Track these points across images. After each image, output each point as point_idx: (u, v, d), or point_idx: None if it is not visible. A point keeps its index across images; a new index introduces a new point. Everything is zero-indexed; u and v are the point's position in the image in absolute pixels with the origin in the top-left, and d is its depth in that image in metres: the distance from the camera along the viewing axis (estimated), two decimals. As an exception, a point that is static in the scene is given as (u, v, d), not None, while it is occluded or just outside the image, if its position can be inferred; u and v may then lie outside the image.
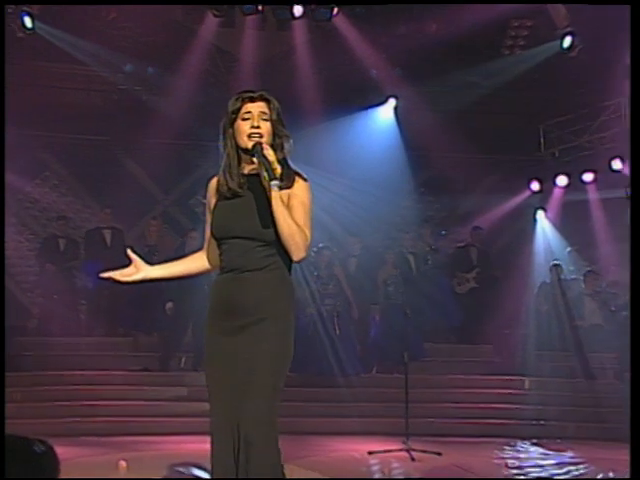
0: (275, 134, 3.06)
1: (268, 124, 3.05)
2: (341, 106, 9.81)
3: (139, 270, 3.14)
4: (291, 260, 3.02)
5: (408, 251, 9.76)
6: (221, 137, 3.11)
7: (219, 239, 3.04)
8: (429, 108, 10.16)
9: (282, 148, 3.07)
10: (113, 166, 10.56)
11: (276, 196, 2.92)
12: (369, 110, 10.51)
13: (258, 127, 3.02)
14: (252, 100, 3.07)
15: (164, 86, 9.80)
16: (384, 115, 10.62)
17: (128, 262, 3.16)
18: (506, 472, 6.15)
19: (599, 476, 6.03)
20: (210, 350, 2.98)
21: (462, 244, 10.75)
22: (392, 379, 8.29)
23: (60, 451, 2.51)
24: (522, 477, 5.98)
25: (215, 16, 9.32)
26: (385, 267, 9.42)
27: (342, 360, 8.56)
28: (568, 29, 9.20)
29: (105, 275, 3.11)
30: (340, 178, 10.15)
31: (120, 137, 10.35)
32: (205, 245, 3.18)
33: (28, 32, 8.93)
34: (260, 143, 2.98)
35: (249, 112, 3.05)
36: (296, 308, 3.06)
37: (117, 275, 3.12)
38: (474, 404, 8.47)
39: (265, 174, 2.93)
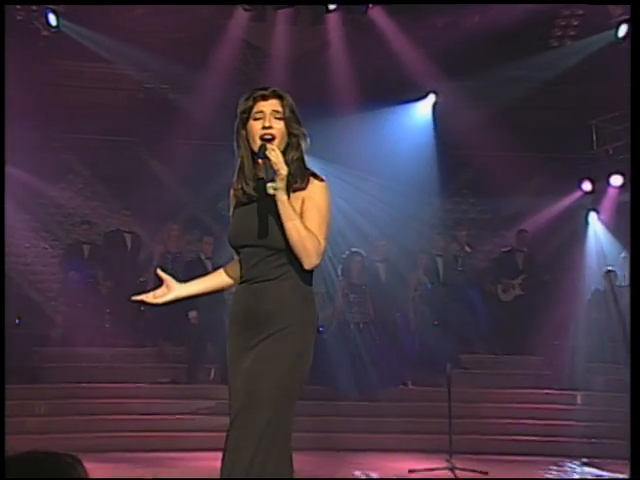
0: (290, 133, 3.03)
1: (281, 123, 3.02)
2: (377, 102, 9.80)
3: (171, 290, 3.16)
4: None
5: (436, 254, 9.72)
6: (234, 139, 3.09)
7: (235, 248, 3.04)
8: (471, 104, 10.10)
9: (297, 147, 3.04)
10: (139, 168, 10.67)
11: (282, 199, 2.86)
12: (406, 106, 10.50)
13: (270, 127, 2.99)
14: (264, 98, 3.04)
15: (191, 84, 9.89)
16: (421, 111, 10.60)
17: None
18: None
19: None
20: (228, 364, 2.98)
21: (507, 248, 10.66)
22: (432, 392, 8.26)
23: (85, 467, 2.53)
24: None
25: (245, 10, 9.40)
26: (416, 271, 9.41)
27: (377, 372, 8.55)
28: (623, 17, 9.03)
29: (137, 298, 3.15)
30: (375, 178, 10.16)
31: (146, 138, 10.47)
32: (234, 256, 3.17)
33: (53, 30, 9.10)
34: (264, 144, 2.94)
35: (261, 111, 3.02)
36: (316, 320, 3.02)
37: (149, 297, 3.16)
38: (521, 420, 8.41)
39: (264, 175, 2.90)
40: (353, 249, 9.16)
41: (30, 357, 9.06)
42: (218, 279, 3.23)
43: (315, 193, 2.97)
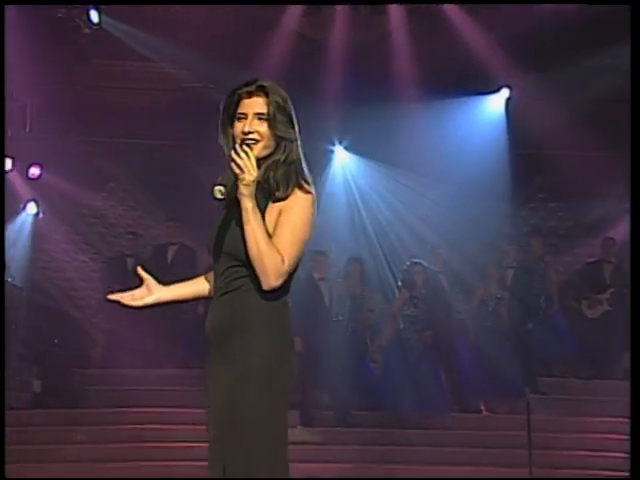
0: (277, 136, 2.91)
1: (264, 125, 2.90)
2: (442, 96, 9.72)
3: (151, 292, 3.11)
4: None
5: (508, 265, 9.58)
6: (220, 140, 2.99)
7: (211, 256, 3.00)
8: (549, 100, 9.93)
9: (285, 151, 2.92)
10: (185, 174, 10.76)
11: (246, 207, 2.76)
12: (475, 100, 10.40)
13: (250, 132, 2.88)
14: (248, 95, 2.94)
15: (239, 81, 9.95)
16: (492, 107, 10.48)
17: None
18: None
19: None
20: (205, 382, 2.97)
21: (593, 259, 10.42)
22: (508, 420, 8.12)
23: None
24: None
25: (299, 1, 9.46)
26: (485, 284, 9.27)
27: (444, 395, 8.46)
28: None
29: (112, 297, 3.08)
30: (437, 181, 10.07)
31: (192, 142, 10.57)
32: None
33: (94, 28, 9.30)
34: (236, 145, 2.86)
35: (243, 113, 2.92)
36: (287, 332, 2.89)
37: (126, 298, 3.10)
38: (609, 453, 8.20)
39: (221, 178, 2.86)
40: (414, 260, 9.10)
41: (70, 379, 9.20)
42: (202, 285, 3.15)
43: (295, 205, 2.86)
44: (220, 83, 10.16)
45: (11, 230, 10.16)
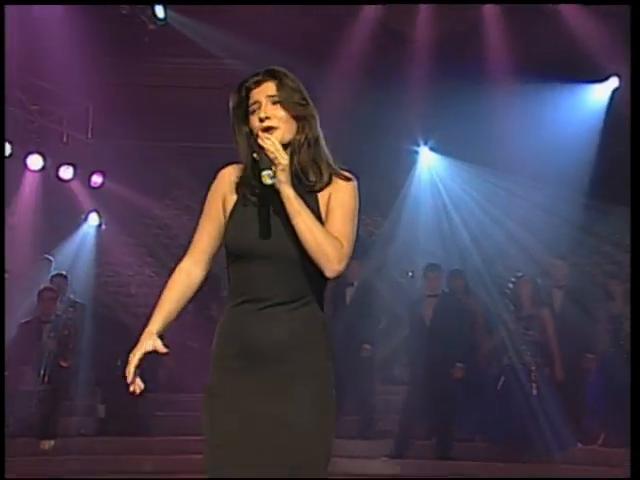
0: (294, 117, 2.94)
1: (279, 108, 2.93)
2: (538, 89, 9.54)
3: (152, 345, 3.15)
4: (324, 289, 2.93)
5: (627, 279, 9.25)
6: (237, 143, 3.02)
7: (237, 256, 2.92)
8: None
9: (304, 131, 2.95)
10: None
11: (287, 194, 2.80)
12: (577, 91, 10.18)
13: (267, 117, 2.91)
14: (257, 84, 2.97)
15: (314, 80, 9.95)
16: (596, 98, 10.26)
17: None
18: None
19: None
20: (223, 407, 2.90)
21: None
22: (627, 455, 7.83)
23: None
24: None
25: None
26: (612, 302, 8.84)
27: (551, 426, 8.22)
28: None
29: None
30: (533, 181, 9.87)
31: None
32: (195, 253, 3.08)
33: (160, 23, 9.46)
34: (257, 134, 2.90)
35: (256, 102, 2.95)
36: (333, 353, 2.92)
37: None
38: None
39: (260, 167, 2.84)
40: (519, 273, 8.79)
41: (135, 404, 9.32)
42: (183, 299, 3.14)
43: (342, 190, 2.95)
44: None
45: (73, 243, 10.39)
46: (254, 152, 2.89)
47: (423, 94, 9.59)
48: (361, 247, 10.82)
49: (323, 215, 2.91)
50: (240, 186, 2.98)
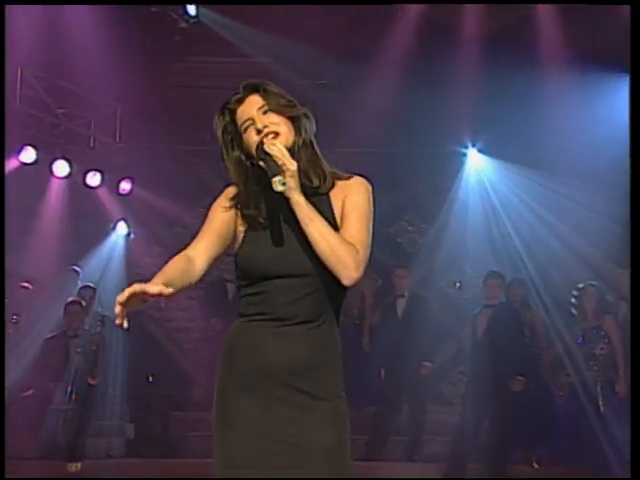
0: (289, 118, 3.00)
1: (272, 115, 2.99)
2: (597, 83, 9.44)
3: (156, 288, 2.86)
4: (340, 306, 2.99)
5: None
6: (228, 169, 3.06)
7: (252, 277, 2.94)
8: None
9: (304, 131, 3.01)
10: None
11: (297, 200, 2.85)
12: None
13: (265, 126, 2.97)
14: (240, 101, 3.05)
15: (354, 79, 9.93)
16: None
17: None
18: None
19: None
20: (231, 411, 2.90)
21: None
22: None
23: None
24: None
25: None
26: None
27: (615, 445, 8.10)
28: None
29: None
30: (589, 184, 9.76)
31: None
32: (196, 248, 3.06)
33: (192, 20, 9.53)
34: (262, 142, 2.93)
35: (247, 119, 3.01)
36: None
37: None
38: None
39: (269, 174, 2.87)
40: (583, 284, 8.66)
41: (167, 424, 9.35)
42: (182, 279, 2.96)
43: (355, 189, 3.01)
44: (332, 79, 10.21)
45: (101, 253, 10.45)
46: (260, 160, 2.92)
47: (471, 92, 9.53)
48: (405, 256, 10.89)
49: (338, 220, 2.97)
50: (243, 209, 3.02)
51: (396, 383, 8.95)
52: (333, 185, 3.03)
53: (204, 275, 3.02)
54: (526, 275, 9.65)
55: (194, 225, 11.78)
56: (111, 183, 10.02)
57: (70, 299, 9.17)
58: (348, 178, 3.05)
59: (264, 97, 3.01)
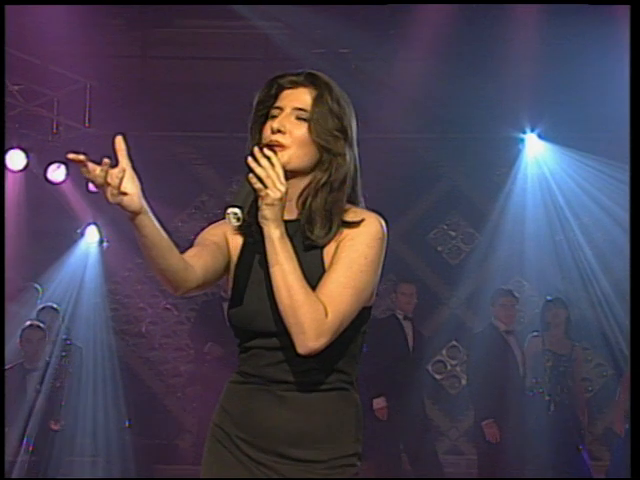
0: (320, 147, 2.98)
1: (303, 127, 2.98)
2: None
3: (129, 189, 2.86)
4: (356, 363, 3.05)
5: None
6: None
7: (242, 330, 3.05)
8: None
9: (328, 171, 2.99)
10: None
11: (270, 235, 2.86)
12: None
13: (279, 131, 2.96)
14: (292, 85, 3.05)
15: (390, 59, 9.86)
16: None
17: None
18: None
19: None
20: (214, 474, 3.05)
21: None
22: None
23: None
24: None
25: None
26: None
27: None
28: None
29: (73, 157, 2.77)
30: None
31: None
32: (191, 259, 3.02)
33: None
34: (259, 149, 2.90)
35: (278, 107, 3.02)
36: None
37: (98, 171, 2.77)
38: None
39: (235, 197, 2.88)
40: None
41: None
42: (181, 258, 2.97)
43: (354, 234, 2.97)
44: (354, 49, 10.13)
45: (66, 266, 10.39)
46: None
47: (529, 69, 9.53)
48: (446, 268, 10.81)
49: (325, 260, 2.98)
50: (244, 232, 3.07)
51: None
52: (336, 234, 2.99)
53: (195, 288, 3.01)
54: (599, 293, 9.64)
55: (185, 230, 11.74)
56: (79, 178, 9.88)
57: (28, 323, 9.09)
58: (358, 223, 2.98)
59: (315, 102, 3.00)
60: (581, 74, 9.27)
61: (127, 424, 9.60)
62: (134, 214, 2.89)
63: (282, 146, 2.94)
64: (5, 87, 8.54)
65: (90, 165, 2.76)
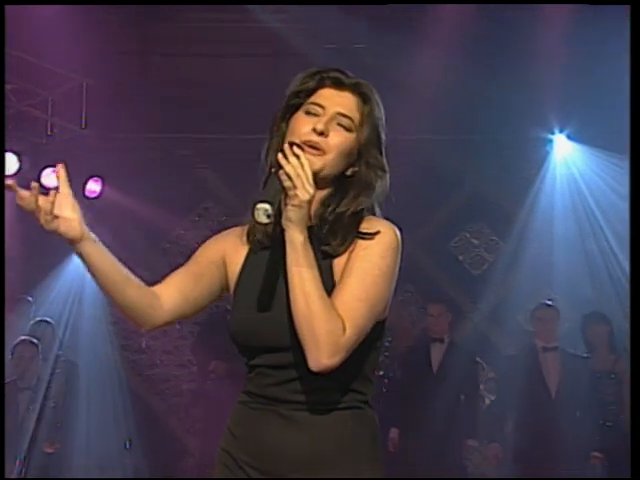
0: (360, 156, 3.05)
1: (345, 136, 3.02)
2: None
3: (66, 215, 2.98)
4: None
5: None
6: (269, 136, 3.14)
7: (244, 346, 3.09)
8: None
9: (362, 186, 3.06)
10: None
11: (292, 238, 2.87)
12: None
13: (322, 133, 2.98)
14: (337, 85, 3.07)
15: (410, 56, 9.84)
16: None
17: None
18: None
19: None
20: None
21: None
22: None
23: None
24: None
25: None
26: None
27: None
28: None
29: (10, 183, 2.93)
30: None
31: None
32: (166, 289, 3.12)
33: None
34: (290, 146, 2.92)
35: (320, 105, 3.03)
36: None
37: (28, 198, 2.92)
38: None
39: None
40: None
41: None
42: (135, 282, 3.08)
43: (375, 241, 2.99)
44: (368, 44, 10.12)
45: (62, 278, 10.38)
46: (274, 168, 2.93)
47: (558, 66, 9.57)
48: (468, 279, 10.77)
49: (335, 271, 2.99)
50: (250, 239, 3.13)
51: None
52: (349, 246, 3.02)
53: (164, 324, 3.11)
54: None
55: (187, 239, 11.74)
56: (75, 183, 9.83)
57: (20, 338, 9.11)
58: (373, 235, 3.00)
59: (360, 112, 3.05)
60: (612, 73, 9.24)
61: (127, 446, 9.60)
62: (74, 241, 2.93)
63: (320, 150, 2.98)
64: (5, 88, 8.47)
65: (20, 192, 2.88)
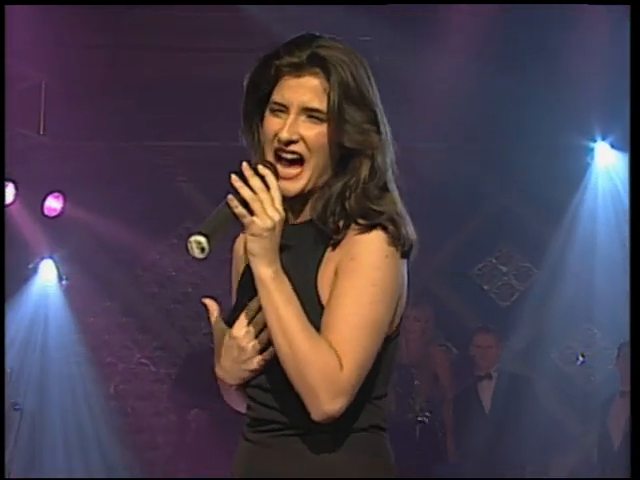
0: (344, 148, 2.98)
1: (318, 128, 2.97)
2: None
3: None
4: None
5: None
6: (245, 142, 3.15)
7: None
8: None
9: (365, 171, 3.00)
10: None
11: (260, 275, 2.89)
12: None
13: (290, 142, 2.95)
14: (295, 70, 2.98)
15: (434, 59, 9.91)
16: None
17: None
18: None
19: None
20: None
21: None
22: None
23: None
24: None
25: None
26: None
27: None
28: None
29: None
30: None
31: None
32: None
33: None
34: (259, 164, 2.93)
35: (281, 104, 2.98)
36: None
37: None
38: None
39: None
40: None
41: None
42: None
43: (358, 252, 2.93)
44: (383, 37, 10.18)
45: (15, 311, 10.38)
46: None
47: (600, 66, 9.63)
48: (495, 312, 10.81)
49: (323, 298, 2.95)
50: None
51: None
52: (345, 235, 2.99)
53: None
54: None
55: (164, 265, 11.80)
56: (31, 199, 9.96)
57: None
58: (369, 229, 2.95)
59: (328, 94, 2.95)
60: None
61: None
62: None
63: (296, 163, 2.96)
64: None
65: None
